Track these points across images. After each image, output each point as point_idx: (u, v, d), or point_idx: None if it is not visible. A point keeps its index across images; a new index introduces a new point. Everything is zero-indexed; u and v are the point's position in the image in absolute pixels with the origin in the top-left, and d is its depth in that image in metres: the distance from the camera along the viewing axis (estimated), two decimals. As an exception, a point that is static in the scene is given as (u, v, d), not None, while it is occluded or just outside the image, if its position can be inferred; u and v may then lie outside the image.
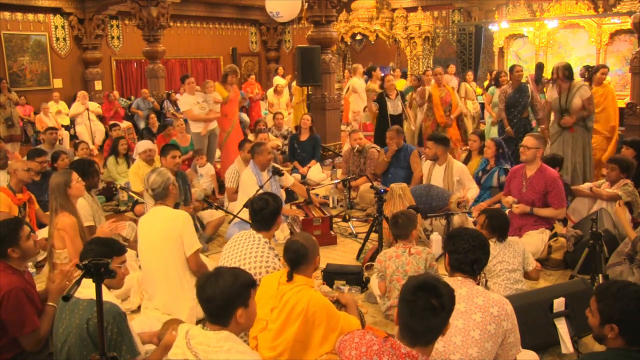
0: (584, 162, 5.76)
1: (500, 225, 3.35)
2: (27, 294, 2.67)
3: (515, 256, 3.36)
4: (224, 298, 1.94)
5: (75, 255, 3.46)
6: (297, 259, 2.63)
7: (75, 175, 3.71)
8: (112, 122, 9.43)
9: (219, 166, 7.53)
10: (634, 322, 1.91)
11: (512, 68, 6.83)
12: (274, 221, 3.18)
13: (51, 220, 3.62)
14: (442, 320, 1.79)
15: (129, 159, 6.96)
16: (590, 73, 6.77)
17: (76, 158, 6.07)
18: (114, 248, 2.57)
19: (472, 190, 5.04)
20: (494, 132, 7.46)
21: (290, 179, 5.38)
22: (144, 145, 5.99)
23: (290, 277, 2.63)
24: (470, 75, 10.27)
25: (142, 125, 10.90)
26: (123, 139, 7.02)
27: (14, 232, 2.73)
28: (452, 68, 10.47)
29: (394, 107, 7.32)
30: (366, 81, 10.13)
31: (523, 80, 6.76)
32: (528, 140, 4.27)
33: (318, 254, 2.73)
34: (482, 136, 5.91)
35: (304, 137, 7.36)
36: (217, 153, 8.68)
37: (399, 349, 1.79)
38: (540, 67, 8.09)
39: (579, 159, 5.75)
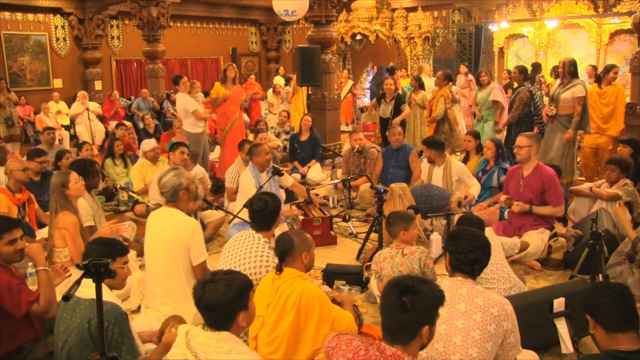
0: (560, 160, 5.82)
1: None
2: (11, 276, 2.65)
3: (495, 252, 3.36)
4: (225, 306, 1.93)
5: (77, 254, 3.46)
6: (283, 250, 2.66)
7: (73, 176, 3.70)
8: (116, 122, 9.42)
9: (217, 165, 7.53)
10: (601, 305, 1.99)
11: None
12: (273, 221, 3.18)
13: (51, 220, 3.61)
14: (412, 318, 1.79)
15: (126, 159, 6.96)
16: (602, 73, 6.77)
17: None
18: (117, 248, 2.56)
19: (474, 187, 5.08)
20: (485, 130, 7.48)
21: (289, 180, 5.38)
22: (150, 144, 6.01)
23: (279, 270, 2.65)
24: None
25: (142, 125, 10.89)
26: (118, 140, 7.03)
27: None
28: (464, 68, 10.48)
29: (384, 110, 7.39)
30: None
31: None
32: (520, 140, 4.29)
33: (307, 251, 2.70)
34: (477, 135, 5.93)
35: (304, 137, 7.36)
36: (215, 153, 8.68)
37: (385, 352, 1.81)
38: (523, 71, 7.93)
39: (554, 154, 5.85)
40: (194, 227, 3.22)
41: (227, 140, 7.08)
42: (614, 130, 6.40)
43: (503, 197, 4.39)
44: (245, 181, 4.98)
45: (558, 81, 6.00)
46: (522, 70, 6.79)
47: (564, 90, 5.72)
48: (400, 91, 8.77)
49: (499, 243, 3.49)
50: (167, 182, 3.29)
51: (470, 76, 10.19)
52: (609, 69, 6.69)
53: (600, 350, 2.04)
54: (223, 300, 1.93)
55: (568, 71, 5.72)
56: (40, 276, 2.73)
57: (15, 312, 2.60)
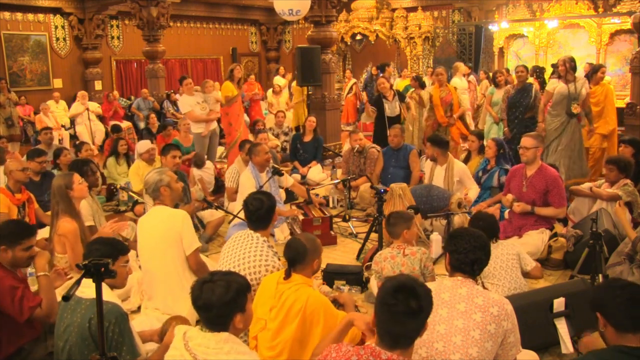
0: (579, 157, 5.88)
1: (484, 227, 3.34)
2: (15, 279, 2.67)
3: (510, 255, 3.37)
4: (222, 307, 1.93)
5: (75, 261, 3.46)
6: (295, 257, 2.64)
7: (77, 177, 3.72)
8: (113, 122, 9.42)
9: (219, 166, 7.53)
10: (614, 306, 1.97)
11: (516, 69, 6.85)
12: (270, 219, 3.19)
13: (53, 224, 3.61)
14: (421, 322, 1.80)
15: (129, 159, 6.97)
16: (590, 73, 6.79)
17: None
18: (118, 248, 2.58)
19: (473, 191, 5.06)
20: (494, 132, 7.45)
21: (290, 180, 5.38)
22: (144, 145, 6.00)
23: (288, 275, 2.63)
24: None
25: (142, 125, 10.91)
26: (123, 139, 7.04)
27: (17, 235, 2.70)
28: (466, 69, 10.47)
29: (391, 108, 7.34)
30: (377, 77, 10.10)
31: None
32: (526, 141, 4.26)
33: (318, 258, 2.71)
34: (480, 136, 5.92)
35: (307, 138, 7.36)
36: (218, 151, 8.67)
37: (379, 356, 1.77)
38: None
39: (580, 152, 5.88)
40: (183, 217, 3.32)
41: (237, 143, 7.09)
42: (603, 129, 6.39)
43: (509, 196, 4.35)
44: (245, 181, 4.98)
45: (559, 81, 5.95)
46: (525, 69, 6.79)
47: (580, 87, 5.75)
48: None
49: (519, 251, 3.49)
50: (149, 179, 3.44)
51: (471, 77, 10.18)
52: (596, 69, 6.71)
53: (607, 346, 2.03)
54: (220, 302, 1.92)
55: (570, 67, 5.74)
56: (41, 281, 2.75)
57: (18, 317, 2.62)
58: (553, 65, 9.92)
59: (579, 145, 5.92)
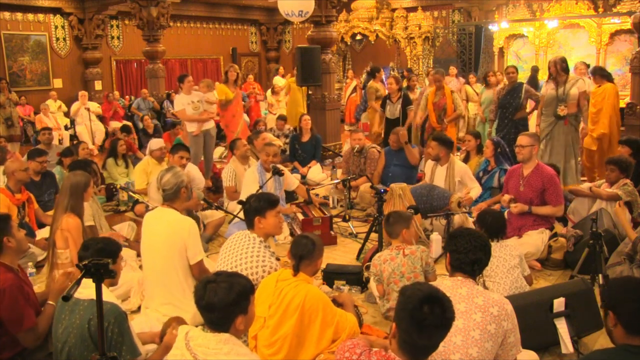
0: (570, 161, 5.79)
1: (490, 224, 3.36)
2: (23, 292, 2.67)
3: (512, 256, 3.37)
4: (224, 308, 1.93)
5: (77, 257, 3.47)
6: (303, 255, 2.67)
7: (91, 180, 3.73)
8: (123, 124, 9.38)
9: (218, 166, 7.52)
10: (625, 306, 1.94)
11: (506, 69, 6.83)
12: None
13: (56, 217, 3.59)
14: (447, 333, 1.77)
15: (127, 159, 6.96)
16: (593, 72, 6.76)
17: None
18: (117, 246, 2.63)
19: (475, 190, 5.03)
20: (481, 130, 7.48)
21: (294, 182, 5.38)
22: (157, 143, 6.00)
23: (296, 270, 2.66)
24: (472, 77, 10.29)
25: (141, 125, 10.90)
26: (121, 140, 7.04)
27: (5, 222, 2.76)
28: (453, 70, 10.45)
29: (391, 111, 7.34)
30: (368, 81, 10.10)
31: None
32: (522, 140, 4.27)
33: (321, 257, 2.76)
34: (477, 135, 5.92)
35: (305, 137, 7.37)
36: (217, 152, 8.67)
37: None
38: (535, 70, 7.94)
39: (568, 156, 5.79)
40: (190, 226, 3.24)
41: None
42: (597, 132, 6.31)
43: (506, 197, 4.36)
44: (249, 176, 5.04)
45: (549, 82, 5.93)
46: (516, 69, 6.78)
47: (569, 87, 5.66)
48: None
49: (522, 255, 3.49)
50: (168, 181, 3.32)
51: (462, 79, 10.18)
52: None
53: (615, 344, 2.01)
54: (223, 303, 1.92)
55: (561, 68, 5.68)
56: (47, 309, 2.77)
57: (11, 329, 2.65)
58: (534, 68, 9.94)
59: (571, 149, 5.79)
